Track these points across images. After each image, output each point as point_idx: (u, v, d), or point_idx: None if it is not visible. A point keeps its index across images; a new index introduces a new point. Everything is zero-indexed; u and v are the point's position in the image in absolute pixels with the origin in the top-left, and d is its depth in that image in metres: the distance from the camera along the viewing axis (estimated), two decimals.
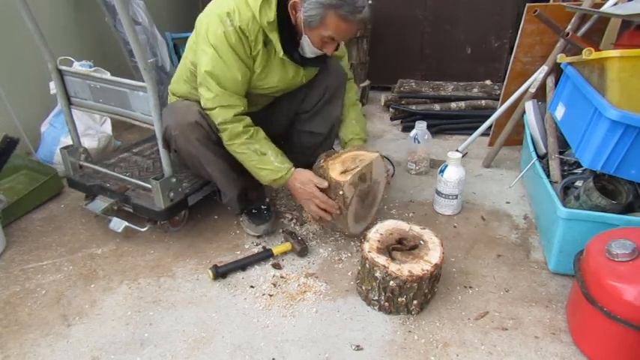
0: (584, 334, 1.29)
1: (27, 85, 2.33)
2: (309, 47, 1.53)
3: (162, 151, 1.60)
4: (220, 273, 1.57)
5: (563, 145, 1.86)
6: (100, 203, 1.75)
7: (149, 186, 1.65)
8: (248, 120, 1.57)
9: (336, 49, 1.57)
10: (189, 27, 1.65)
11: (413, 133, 2.22)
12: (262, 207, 1.83)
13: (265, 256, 1.65)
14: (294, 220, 1.89)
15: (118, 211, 1.76)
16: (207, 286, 1.56)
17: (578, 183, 1.68)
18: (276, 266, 1.64)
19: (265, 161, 1.58)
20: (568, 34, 1.80)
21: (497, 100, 2.58)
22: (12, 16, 2.10)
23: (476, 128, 2.40)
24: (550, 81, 2.10)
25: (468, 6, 3.02)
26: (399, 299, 1.38)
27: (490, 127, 2.42)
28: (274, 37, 1.49)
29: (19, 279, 1.59)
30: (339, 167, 1.60)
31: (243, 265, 1.62)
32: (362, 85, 3.08)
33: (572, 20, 2.05)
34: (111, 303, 1.49)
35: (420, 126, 2.20)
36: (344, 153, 1.70)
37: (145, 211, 1.69)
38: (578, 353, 1.29)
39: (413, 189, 2.14)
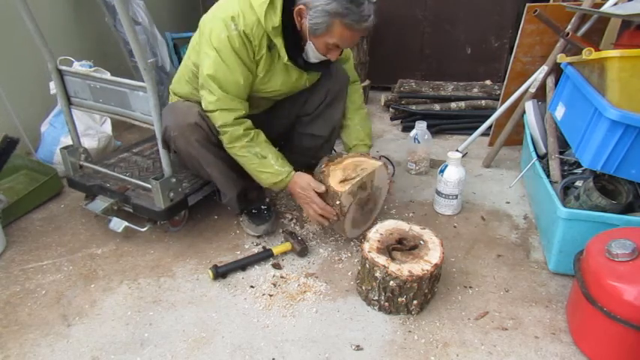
0: (584, 334, 1.29)
1: (27, 85, 2.33)
2: (313, 53, 1.52)
3: (162, 152, 1.60)
4: (220, 273, 1.57)
5: (563, 145, 1.86)
6: (100, 203, 1.75)
7: (149, 186, 1.65)
8: (249, 123, 1.57)
9: (340, 55, 1.58)
10: (189, 27, 1.66)
11: (413, 133, 2.22)
12: (262, 207, 1.83)
13: (265, 256, 1.65)
14: (294, 220, 1.89)
15: (118, 211, 1.76)
16: (207, 286, 1.56)
17: (578, 183, 1.68)
18: (276, 266, 1.64)
19: (266, 164, 1.58)
20: (568, 34, 1.80)
21: (497, 100, 2.58)
22: (12, 16, 2.10)
23: (476, 128, 2.40)
24: (550, 81, 2.10)
25: (468, 6, 3.01)
26: (399, 299, 1.38)
27: (490, 127, 2.42)
28: (279, 43, 1.49)
29: (19, 279, 1.59)
30: (339, 174, 1.60)
31: (243, 265, 1.62)
32: (362, 85, 3.07)
33: (572, 20, 2.05)
34: (111, 303, 1.49)
35: (420, 126, 2.20)
36: (347, 158, 1.70)
37: (145, 211, 1.69)
38: (578, 353, 1.29)
39: (413, 189, 2.14)
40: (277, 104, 1.80)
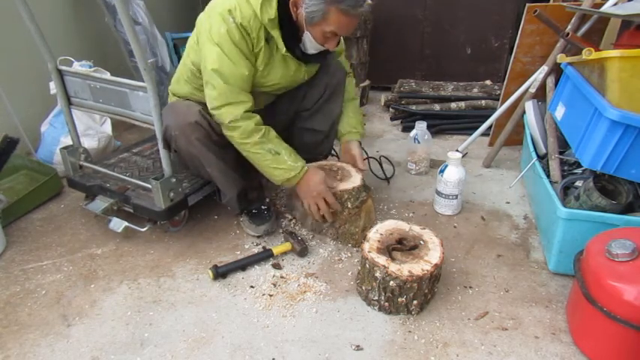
0: (584, 334, 1.29)
1: (27, 85, 2.33)
2: (310, 43, 1.53)
3: (163, 151, 1.60)
4: (220, 273, 1.57)
5: (563, 145, 1.86)
6: (100, 203, 1.75)
7: (149, 186, 1.65)
8: (258, 118, 1.56)
9: (337, 44, 1.58)
10: (189, 27, 1.66)
11: (413, 133, 2.22)
12: (262, 207, 1.83)
13: (265, 256, 1.65)
14: (294, 220, 1.89)
15: (118, 211, 1.76)
16: (207, 286, 1.55)
17: (578, 183, 1.68)
18: (276, 266, 1.64)
19: (280, 160, 1.57)
20: (568, 34, 1.80)
21: (497, 100, 2.58)
22: (12, 16, 2.10)
23: (476, 128, 2.40)
24: (550, 81, 2.10)
25: (468, 6, 3.01)
26: (399, 299, 1.38)
27: (490, 127, 2.42)
28: (276, 34, 1.50)
29: (19, 279, 1.59)
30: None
31: (243, 265, 1.61)
32: (362, 85, 3.08)
33: (572, 20, 2.05)
34: (111, 303, 1.49)
35: (420, 126, 2.20)
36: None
37: (145, 211, 1.69)
38: (578, 353, 1.29)
39: (413, 189, 2.14)
40: (276, 100, 1.80)
